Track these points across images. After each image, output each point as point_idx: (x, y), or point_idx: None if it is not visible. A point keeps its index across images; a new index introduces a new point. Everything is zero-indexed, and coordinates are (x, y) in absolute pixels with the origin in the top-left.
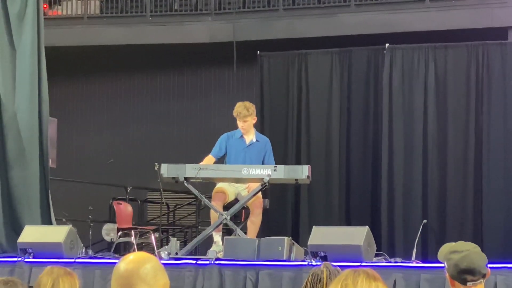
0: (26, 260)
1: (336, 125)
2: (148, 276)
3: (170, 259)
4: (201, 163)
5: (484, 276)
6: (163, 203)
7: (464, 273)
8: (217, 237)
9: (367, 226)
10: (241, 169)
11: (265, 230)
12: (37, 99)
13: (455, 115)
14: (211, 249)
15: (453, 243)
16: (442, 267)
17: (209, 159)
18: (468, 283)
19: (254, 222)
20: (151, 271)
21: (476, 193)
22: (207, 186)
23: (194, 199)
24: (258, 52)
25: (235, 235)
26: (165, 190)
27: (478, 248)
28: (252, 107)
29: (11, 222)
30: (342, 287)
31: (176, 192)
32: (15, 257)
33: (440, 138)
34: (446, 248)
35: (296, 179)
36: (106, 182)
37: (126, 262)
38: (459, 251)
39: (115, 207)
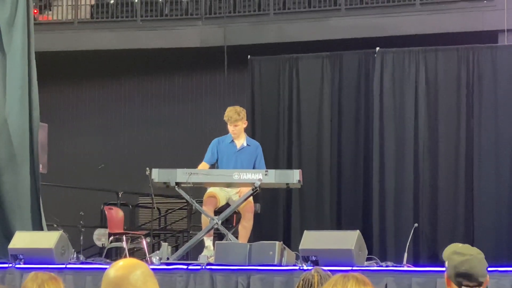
0: (17, 266)
1: (327, 129)
2: (138, 282)
3: (161, 264)
4: None
5: (480, 284)
6: (154, 208)
7: (461, 277)
8: (208, 242)
9: (358, 230)
10: (232, 173)
11: (257, 234)
12: (28, 104)
13: (446, 119)
14: (202, 254)
15: (460, 245)
16: (433, 271)
17: (203, 166)
18: (463, 287)
19: (246, 226)
20: (141, 277)
21: (467, 197)
22: (199, 191)
23: (185, 204)
24: (249, 56)
25: (226, 240)
26: (156, 195)
27: (482, 255)
28: (243, 112)
29: (1, 227)
30: None
31: (167, 197)
32: (6, 263)
33: (431, 142)
34: (451, 248)
35: (287, 184)
36: (97, 187)
37: (116, 268)
38: (463, 254)
39: (106, 212)
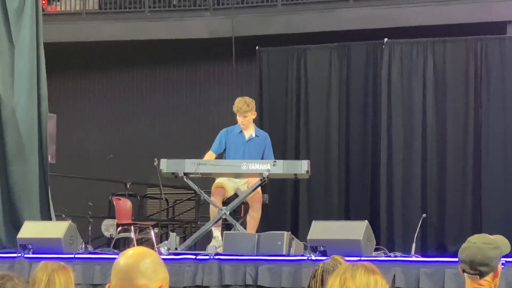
0: (25, 255)
1: (335, 120)
2: (148, 271)
3: (169, 254)
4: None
5: (482, 274)
6: (162, 198)
7: (462, 263)
8: (216, 232)
9: (366, 221)
10: (240, 164)
11: (265, 225)
12: (36, 95)
13: (454, 110)
14: (211, 244)
15: (480, 235)
16: (441, 261)
17: (210, 155)
18: (465, 274)
19: (254, 217)
20: (151, 265)
21: (475, 187)
22: (207, 181)
23: (193, 195)
24: (257, 47)
25: (234, 230)
26: (164, 185)
27: (487, 245)
28: (252, 103)
29: (10, 217)
30: (340, 280)
31: (175, 188)
32: (15, 252)
33: (439, 133)
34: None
35: (296, 174)
36: (106, 177)
37: (126, 257)
38: (468, 241)
39: (114, 202)
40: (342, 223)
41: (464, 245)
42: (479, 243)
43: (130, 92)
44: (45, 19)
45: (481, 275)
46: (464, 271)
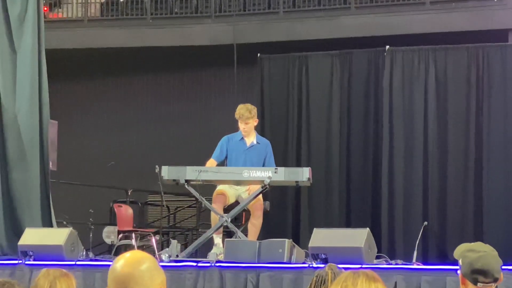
0: (26, 262)
1: (336, 127)
2: (144, 278)
3: (170, 261)
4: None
5: (496, 280)
6: (163, 205)
7: (476, 273)
8: (217, 239)
9: (367, 228)
10: (241, 171)
11: (266, 232)
12: (38, 102)
13: (455, 117)
14: (212, 251)
15: (472, 243)
16: (442, 269)
17: (211, 163)
18: (479, 284)
19: (255, 224)
20: (147, 272)
21: (476, 195)
22: (208, 188)
23: (194, 202)
24: (259, 54)
25: (235, 238)
26: (165, 192)
27: (495, 252)
28: (254, 110)
29: (11, 224)
30: None
31: (176, 195)
32: (16, 259)
33: (440, 140)
34: (463, 247)
35: (297, 181)
36: (107, 184)
37: (121, 265)
38: (477, 250)
39: (115, 209)
40: (343, 230)
41: (472, 255)
42: (489, 251)
43: (132, 99)
44: (47, 25)
45: (495, 281)
46: (477, 281)
